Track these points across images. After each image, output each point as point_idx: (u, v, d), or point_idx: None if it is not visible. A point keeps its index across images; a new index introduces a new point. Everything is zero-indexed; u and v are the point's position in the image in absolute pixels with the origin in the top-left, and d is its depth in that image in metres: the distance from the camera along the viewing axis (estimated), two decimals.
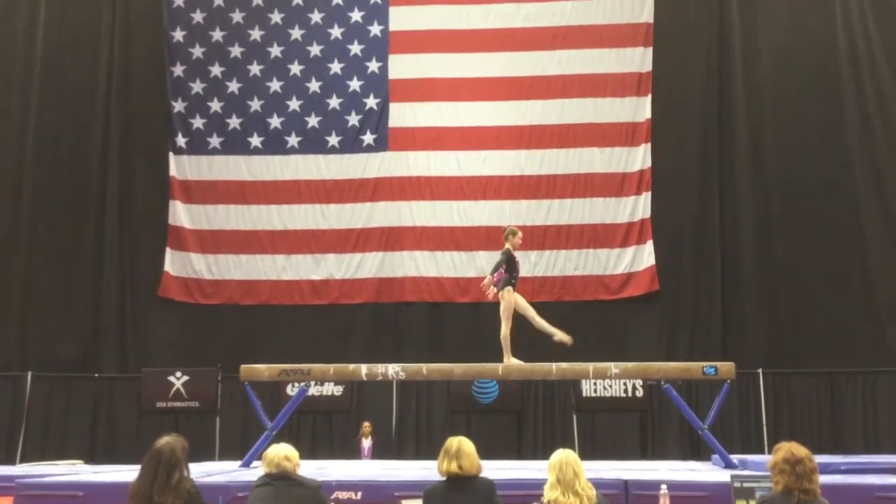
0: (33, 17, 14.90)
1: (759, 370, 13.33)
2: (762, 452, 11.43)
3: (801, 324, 13.61)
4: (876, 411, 13.17)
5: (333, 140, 14.79)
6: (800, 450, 4.21)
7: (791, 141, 14.09)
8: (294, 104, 14.89)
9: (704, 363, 9.00)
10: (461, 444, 4.93)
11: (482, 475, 5.00)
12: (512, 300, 8.87)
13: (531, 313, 9.03)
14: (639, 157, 14.27)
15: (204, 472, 7.78)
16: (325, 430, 13.93)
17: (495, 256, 9.22)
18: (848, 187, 13.80)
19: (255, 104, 14.92)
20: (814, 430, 13.01)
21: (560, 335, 8.95)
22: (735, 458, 8.63)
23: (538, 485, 4.84)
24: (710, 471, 8.41)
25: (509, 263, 8.92)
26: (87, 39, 15.02)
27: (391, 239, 14.46)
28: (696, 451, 12.42)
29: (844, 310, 13.45)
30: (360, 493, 6.68)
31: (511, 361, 8.81)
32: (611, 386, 13.46)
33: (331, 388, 13.65)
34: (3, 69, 14.85)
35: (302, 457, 5.25)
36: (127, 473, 7.31)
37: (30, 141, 14.68)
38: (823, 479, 4.48)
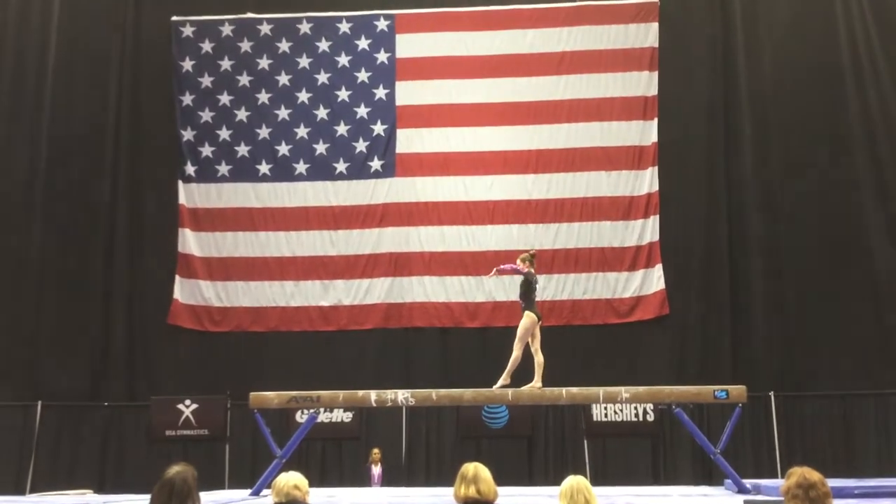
0: (43, 49, 15.05)
1: (771, 393, 13.25)
2: (775, 476, 11.35)
3: (813, 346, 13.54)
4: (889, 433, 13.07)
5: (341, 166, 14.85)
6: (813, 474, 4.17)
7: (798, 161, 14.09)
8: (302, 131, 14.97)
9: (715, 387, 8.99)
10: (478, 469, 4.84)
11: (497, 502, 4.89)
12: (529, 325, 8.91)
13: (536, 346, 9.06)
14: (646, 181, 14.28)
15: (214, 501, 7.76)
16: (334, 457, 13.86)
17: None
18: (858, 207, 13.80)
19: (264, 132, 15.00)
20: (827, 454, 12.89)
21: (535, 383, 9.00)
22: (748, 482, 8.58)
23: None
24: (723, 496, 8.36)
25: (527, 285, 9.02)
26: (96, 70, 15.14)
27: (399, 264, 14.46)
28: (708, 475, 12.32)
29: (856, 331, 13.38)
30: None
31: (501, 382, 8.88)
32: (621, 410, 13.40)
33: (340, 415, 13.64)
34: (13, 99, 15.00)
35: (311, 484, 5.22)
36: (137, 503, 7.29)
37: (40, 171, 14.74)
38: (837, 503, 4.44)
